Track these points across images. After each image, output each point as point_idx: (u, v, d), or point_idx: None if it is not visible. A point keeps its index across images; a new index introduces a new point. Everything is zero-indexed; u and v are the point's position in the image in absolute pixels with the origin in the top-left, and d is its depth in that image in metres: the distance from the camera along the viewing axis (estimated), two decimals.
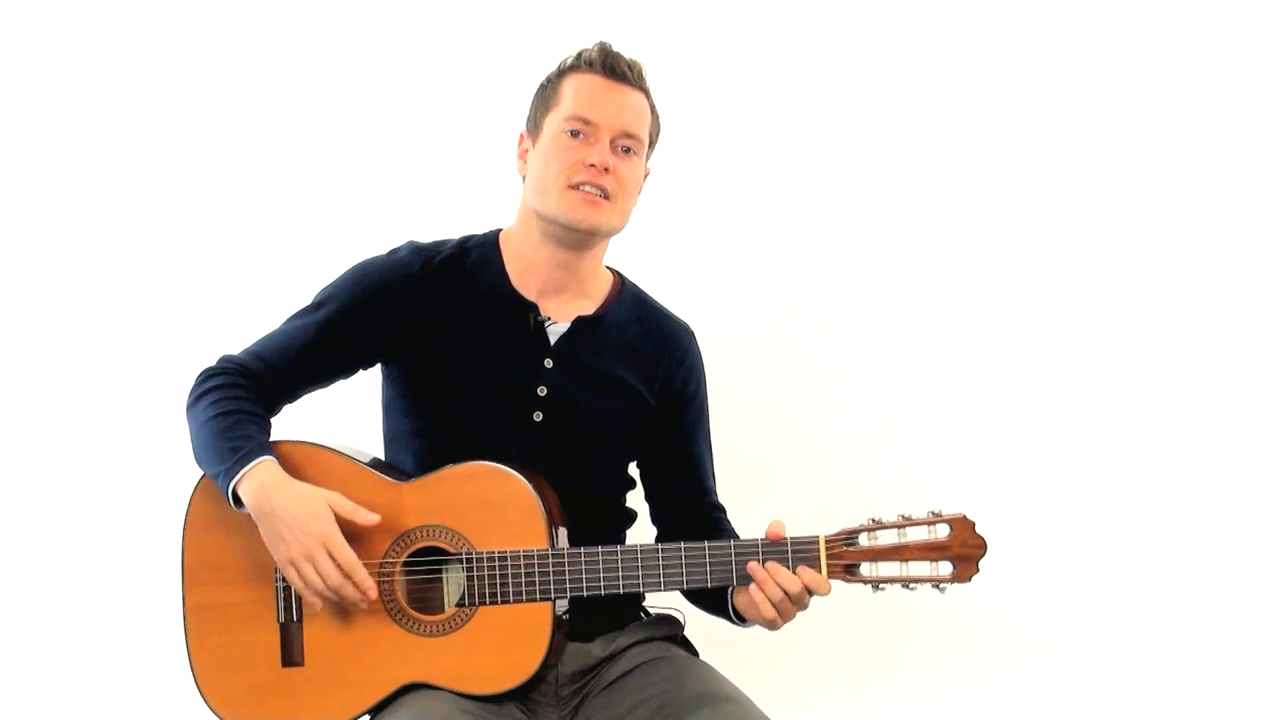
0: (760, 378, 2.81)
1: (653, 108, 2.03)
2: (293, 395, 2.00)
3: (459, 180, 2.81)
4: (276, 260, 2.85)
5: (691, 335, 2.14)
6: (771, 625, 1.86)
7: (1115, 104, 2.87)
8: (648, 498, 2.15)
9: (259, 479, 1.81)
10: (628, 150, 1.97)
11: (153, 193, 2.90)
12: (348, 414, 2.24)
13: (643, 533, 2.11)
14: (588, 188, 1.93)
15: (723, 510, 2.14)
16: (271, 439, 1.91)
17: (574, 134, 1.94)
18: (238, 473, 1.81)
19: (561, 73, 2.00)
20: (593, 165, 1.93)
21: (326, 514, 1.81)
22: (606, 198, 1.94)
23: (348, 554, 1.80)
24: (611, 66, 1.97)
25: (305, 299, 2.03)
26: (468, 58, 2.87)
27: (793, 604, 1.83)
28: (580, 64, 1.98)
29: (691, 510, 2.11)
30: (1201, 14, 2.86)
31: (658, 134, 2.07)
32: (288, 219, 2.89)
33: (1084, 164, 2.88)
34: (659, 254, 2.54)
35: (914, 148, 2.88)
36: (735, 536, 2.07)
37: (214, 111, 2.90)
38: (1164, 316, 2.88)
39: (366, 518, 1.83)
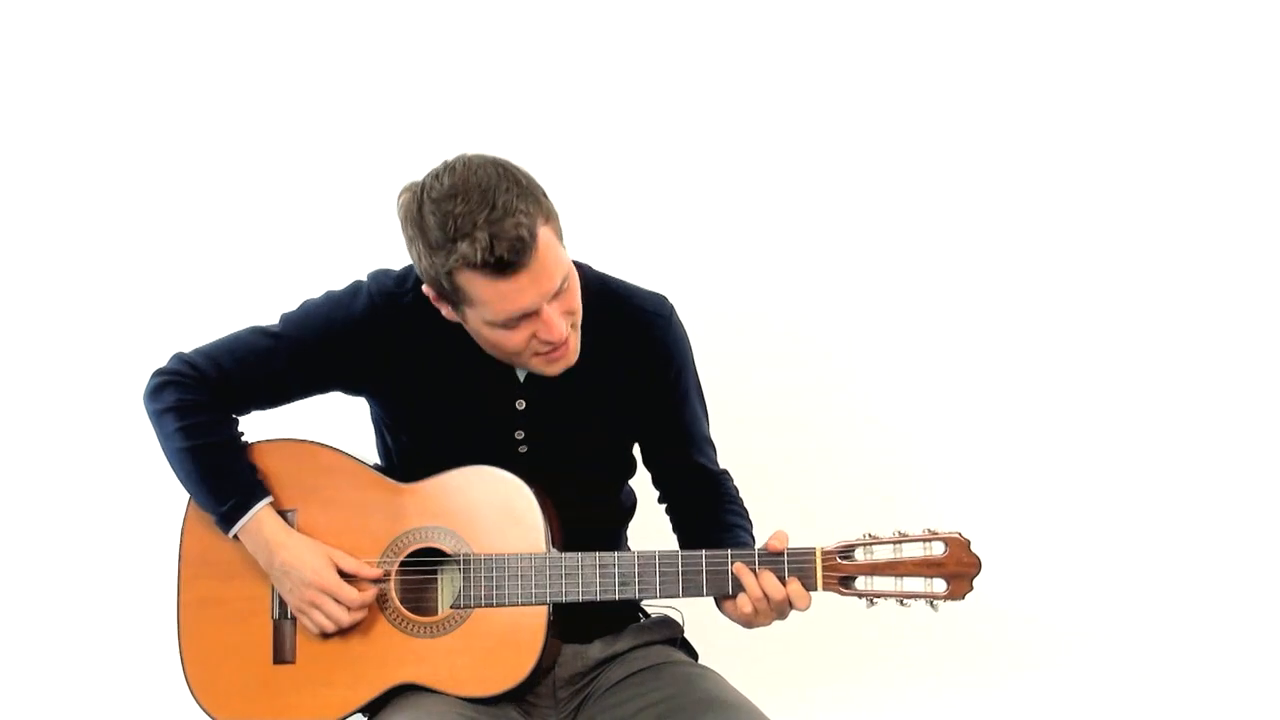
0: (763, 390, 2.82)
1: (544, 212, 1.75)
2: (247, 410, 1.97)
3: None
4: (260, 258, 2.87)
5: (667, 313, 2.01)
6: (747, 622, 1.85)
7: (1110, 110, 2.88)
8: (647, 466, 2.11)
9: (263, 537, 1.86)
10: (564, 286, 1.78)
11: (134, 194, 2.92)
12: (345, 424, 2.23)
13: (640, 527, 2.11)
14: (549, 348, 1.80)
15: (725, 475, 2.10)
16: (266, 438, 1.93)
17: (509, 323, 1.77)
18: (235, 524, 1.86)
19: (449, 271, 1.72)
20: (550, 343, 1.78)
21: (323, 563, 1.85)
22: (566, 341, 1.81)
23: (353, 595, 1.85)
24: (510, 263, 1.69)
25: (278, 294, 2.00)
26: (435, 62, 2.88)
27: (771, 609, 1.82)
28: (471, 267, 1.70)
29: (692, 480, 2.08)
30: (1201, 14, 2.85)
31: (554, 209, 1.80)
32: (266, 217, 2.90)
33: (1080, 170, 2.89)
34: (660, 266, 2.52)
35: (914, 152, 2.88)
36: (739, 505, 2.06)
37: (188, 111, 2.90)
38: (1145, 314, 2.90)
39: (369, 572, 1.87)
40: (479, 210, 1.68)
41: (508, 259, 1.68)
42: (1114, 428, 2.92)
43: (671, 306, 2.03)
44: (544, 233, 1.73)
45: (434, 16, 2.87)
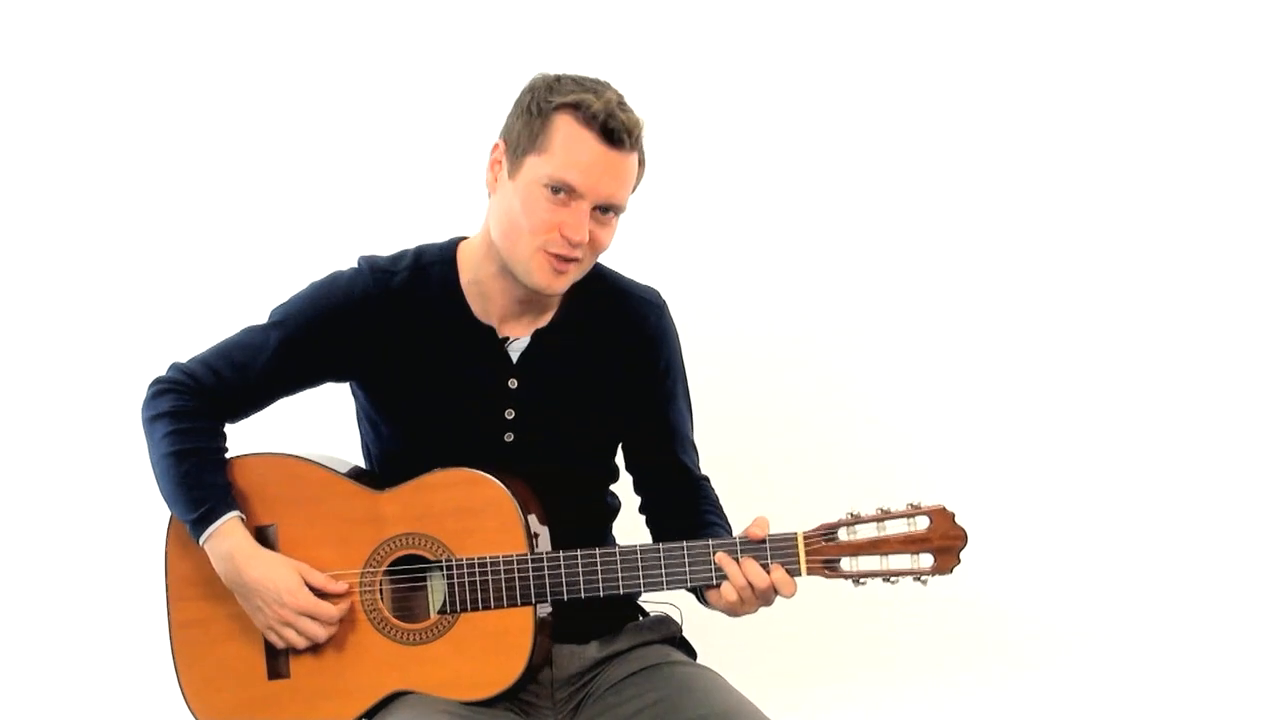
0: (741, 374, 2.83)
1: (642, 159, 1.90)
2: (245, 413, 1.99)
3: (422, 176, 2.85)
4: (256, 265, 2.88)
5: (659, 307, 2.05)
6: (732, 611, 1.85)
7: (1106, 111, 2.91)
8: (629, 468, 2.11)
9: (226, 548, 1.86)
10: (608, 211, 1.86)
11: (130, 198, 2.94)
12: (327, 422, 2.25)
13: (628, 524, 2.11)
14: (560, 255, 1.84)
15: (706, 480, 2.10)
16: (243, 453, 1.94)
17: (555, 191, 1.82)
18: (203, 531, 1.87)
19: (556, 106, 1.82)
20: (568, 242, 1.83)
21: (297, 582, 1.86)
22: (577, 261, 1.88)
23: (331, 611, 1.86)
24: (611, 131, 1.80)
25: (271, 295, 2.02)
26: (427, 64, 2.91)
27: (756, 597, 1.82)
28: (579, 110, 1.80)
29: (673, 480, 2.08)
30: (1201, 14, 2.90)
31: (642, 175, 1.93)
32: (259, 219, 2.93)
33: (1073, 168, 2.93)
34: (649, 251, 2.54)
35: (908, 151, 2.92)
36: (718, 509, 2.07)
37: (185, 114, 2.93)
38: (1143, 311, 2.93)
39: (336, 587, 1.88)
40: (615, 94, 1.84)
41: (613, 128, 1.80)
42: (1113, 428, 2.92)
43: (664, 300, 2.07)
44: (635, 160, 1.86)
45: (424, 16, 2.90)
